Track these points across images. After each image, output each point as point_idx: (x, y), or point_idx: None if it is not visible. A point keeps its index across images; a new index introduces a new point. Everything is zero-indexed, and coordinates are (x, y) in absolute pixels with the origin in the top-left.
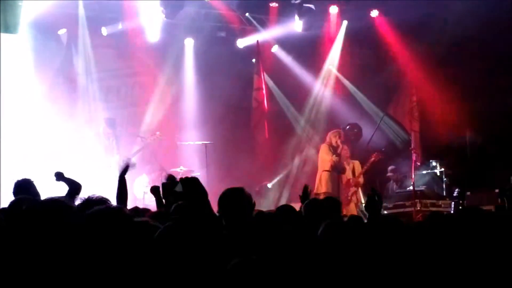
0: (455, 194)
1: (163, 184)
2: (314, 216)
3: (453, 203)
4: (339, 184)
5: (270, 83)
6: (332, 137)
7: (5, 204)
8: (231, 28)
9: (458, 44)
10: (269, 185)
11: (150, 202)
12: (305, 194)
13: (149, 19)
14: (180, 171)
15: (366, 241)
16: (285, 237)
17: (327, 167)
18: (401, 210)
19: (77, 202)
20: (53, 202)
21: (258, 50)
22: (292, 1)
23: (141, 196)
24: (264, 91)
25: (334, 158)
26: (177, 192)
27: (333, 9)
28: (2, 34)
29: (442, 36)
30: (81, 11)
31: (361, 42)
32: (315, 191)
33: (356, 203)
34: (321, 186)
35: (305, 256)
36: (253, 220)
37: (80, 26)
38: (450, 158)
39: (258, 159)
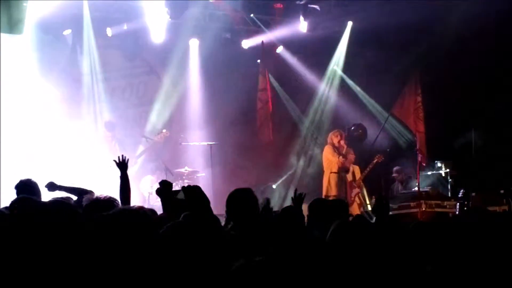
0: (460, 195)
1: (156, 190)
2: (321, 217)
3: (458, 204)
4: (346, 185)
5: (275, 83)
6: (334, 137)
7: (4, 204)
8: (236, 29)
9: (462, 43)
10: (274, 186)
11: (155, 203)
12: (298, 198)
13: (154, 19)
14: (185, 172)
15: (374, 242)
16: (291, 238)
17: (335, 168)
18: (406, 211)
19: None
20: (56, 203)
21: (263, 51)
22: (297, 2)
23: (146, 196)
24: (268, 92)
25: (341, 159)
26: (179, 200)
27: (338, 10)
28: (7, 34)
29: (446, 35)
30: (86, 11)
31: (366, 42)
32: (325, 194)
33: (359, 203)
34: (331, 189)
35: (311, 257)
36: (260, 220)
37: (85, 26)
38: (455, 159)
39: (263, 160)
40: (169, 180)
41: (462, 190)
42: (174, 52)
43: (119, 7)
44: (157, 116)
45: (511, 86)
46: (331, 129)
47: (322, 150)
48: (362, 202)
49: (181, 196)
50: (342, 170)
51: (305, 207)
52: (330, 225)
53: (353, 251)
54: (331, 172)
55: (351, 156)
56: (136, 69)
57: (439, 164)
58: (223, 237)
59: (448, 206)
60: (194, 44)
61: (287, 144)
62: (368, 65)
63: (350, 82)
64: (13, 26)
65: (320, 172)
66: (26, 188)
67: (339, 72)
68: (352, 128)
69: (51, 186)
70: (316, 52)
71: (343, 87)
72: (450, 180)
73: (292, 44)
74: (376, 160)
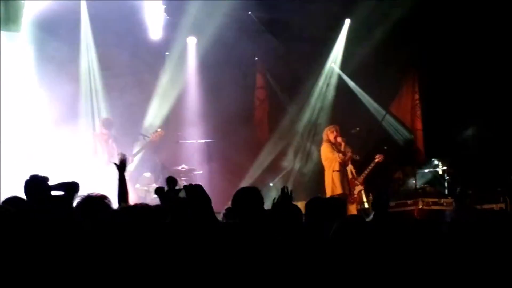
0: (457, 192)
1: (155, 189)
2: (319, 215)
3: (454, 201)
4: (348, 182)
5: (272, 81)
6: (329, 134)
7: None
8: (234, 27)
9: (459, 41)
10: (271, 184)
11: (152, 201)
12: (286, 196)
13: (152, 17)
14: (182, 169)
15: (371, 241)
16: (291, 236)
17: (336, 167)
18: (403, 208)
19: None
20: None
21: (260, 48)
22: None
23: (143, 195)
24: (266, 90)
25: (341, 156)
26: (181, 199)
27: (336, 7)
28: (4, 32)
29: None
30: (84, 9)
31: (363, 40)
32: (330, 193)
33: (358, 201)
34: (336, 188)
35: (311, 255)
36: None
37: (82, 24)
38: (453, 157)
39: (260, 158)
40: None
41: (459, 188)
42: (172, 50)
43: (116, 5)
44: (154, 114)
45: (509, 83)
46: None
47: (319, 148)
48: (361, 200)
49: (182, 194)
50: (343, 167)
51: (302, 206)
52: (327, 223)
53: (351, 251)
54: (333, 171)
55: (349, 153)
56: (134, 67)
57: (436, 162)
58: (217, 240)
59: (445, 204)
60: (191, 42)
61: (284, 141)
62: (365, 63)
63: (347, 79)
64: (10, 23)
65: (317, 170)
66: (35, 185)
67: (337, 69)
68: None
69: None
70: (313, 49)
71: (341, 85)
72: (447, 177)
73: (290, 41)
74: (377, 159)
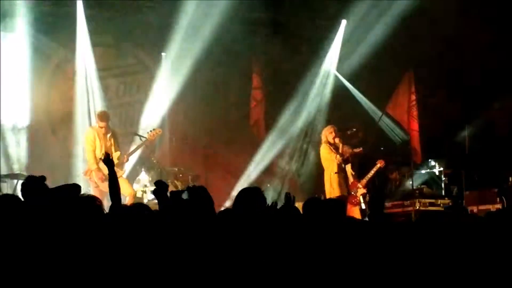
0: (453, 193)
1: (153, 191)
2: (316, 216)
3: (451, 202)
4: (348, 185)
5: (269, 82)
6: (328, 134)
7: None
8: (231, 27)
9: (455, 41)
10: (268, 184)
11: (149, 201)
12: (289, 202)
13: (148, 17)
14: (178, 170)
15: (371, 239)
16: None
17: (335, 168)
18: (400, 209)
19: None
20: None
21: (257, 49)
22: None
23: (139, 195)
24: (262, 90)
25: (338, 157)
26: (183, 200)
27: (332, 8)
28: (0, 32)
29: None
30: (80, 9)
31: (360, 40)
32: (328, 195)
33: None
34: (334, 190)
35: (308, 255)
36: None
37: (78, 24)
38: (449, 158)
39: (256, 159)
40: (162, 178)
41: (455, 189)
42: (168, 50)
43: (112, 5)
44: (150, 114)
45: (506, 84)
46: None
47: (316, 149)
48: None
49: (185, 196)
50: (342, 168)
51: (299, 206)
52: (325, 224)
53: (348, 250)
54: (332, 173)
55: (347, 154)
56: (130, 67)
57: (433, 163)
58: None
59: (442, 205)
60: (187, 44)
61: (281, 142)
62: (362, 64)
63: (344, 80)
64: (6, 24)
65: (314, 171)
66: (32, 185)
67: (333, 70)
68: (354, 130)
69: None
70: (310, 50)
71: (337, 86)
72: (444, 178)
73: (287, 41)
74: (379, 164)
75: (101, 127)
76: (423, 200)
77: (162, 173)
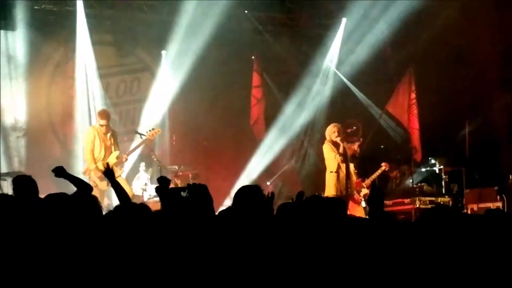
0: (454, 191)
1: (156, 188)
2: (316, 215)
3: (452, 200)
4: (347, 185)
5: (269, 80)
6: (331, 133)
7: None
8: (230, 25)
9: (454, 38)
10: (268, 183)
11: (149, 199)
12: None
13: (148, 16)
14: (178, 168)
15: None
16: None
17: (333, 167)
18: (400, 207)
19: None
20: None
21: (257, 47)
22: None
23: (140, 193)
24: (263, 89)
25: (337, 157)
26: (183, 198)
27: (332, 6)
28: (0, 31)
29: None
30: (80, 7)
31: (357, 38)
32: (326, 193)
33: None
34: (330, 189)
35: (305, 252)
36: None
37: (78, 22)
38: (449, 156)
39: (256, 157)
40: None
41: (456, 187)
42: (168, 49)
43: (112, 3)
44: (150, 112)
45: (506, 82)
46: (325, 126)
47: (316, 147)
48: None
49: (185, 193)
50: (341, 168)
51: None
52: (326, 223)
53: (347, 248)
54: (330, 172)
55: (350, 149)
56: (130, 65)
57: (433, 161)
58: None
59: (442, 203)
60: (187, 42)
61: (281, 140)
62: (362, 62)
63: (344, 79)
64: (6, 22)
65: (314, 169)
66: (25, 184)
67: (333, 68)
68: (353, 128)
69: (59, 172)
70: (309, 48)
71: (337, 84)
72: (444, 176)
73: (287, 40)
74: (384, 167)
75: (102, 126)
76: (423, 198)
77: (162, 171)
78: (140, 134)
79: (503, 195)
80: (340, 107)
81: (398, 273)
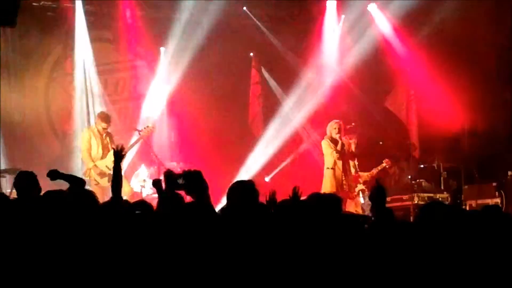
0: (452, 188)
1: (153, 181)
2: (312, 212)
3: (450, 196)
4: (343, 181)
5: (268, 77)
6: (332, 129)
7: None
8: (229, 22)
9: (453, 36)
10: (267, 179)
11: (147, 196)
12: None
13: (147, 12)
14: (177, 165)
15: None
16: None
17: (330, 164)
18: (399, 203)
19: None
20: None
21: (255, 44)
22: None
23: (138, 190)
24: (261, 85)
25: (334, 154)
26: (179, 184)
27: (331, 3)
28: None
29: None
30: (79, 4)
31: (359, 35)
32: (322, 190)
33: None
34: (325, 186)
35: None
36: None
37: (77, 19)
38: (448, 152)
39: (255, 153)
40: (161, 173)
41: (454, 183)
42: (167, 45)
43: (111, 1)
44: (149, 109)
45: (506, 78)
46: (323, 122)
47: (315, 144)
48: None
49: (181, 180)
50: (339, 165)
51: None
52: (322, 220)
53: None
54: (326, 168)
55: (348, 150)
56: (129, 62)
57: (431, 157)
58: (213, 227)
59: (440, 199)
60: (186, 38)
61: (280, 137)
62: (360, 58)
63: (342, 75)
64: (5, 18)
65: (312, 166)
66: (26, 180)
67: (332, 65)
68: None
69: (53, 175)
70: (309, 45)
71: (336, 80)
72: (443, 172)
73: (286, 37)
74: (385, 164)
75: (103, 129)
76: (421, 195)
77: (161, 168)
78: (139, 131)
79: (502, 191)
80: (339, 104)
81: (395, 269)
